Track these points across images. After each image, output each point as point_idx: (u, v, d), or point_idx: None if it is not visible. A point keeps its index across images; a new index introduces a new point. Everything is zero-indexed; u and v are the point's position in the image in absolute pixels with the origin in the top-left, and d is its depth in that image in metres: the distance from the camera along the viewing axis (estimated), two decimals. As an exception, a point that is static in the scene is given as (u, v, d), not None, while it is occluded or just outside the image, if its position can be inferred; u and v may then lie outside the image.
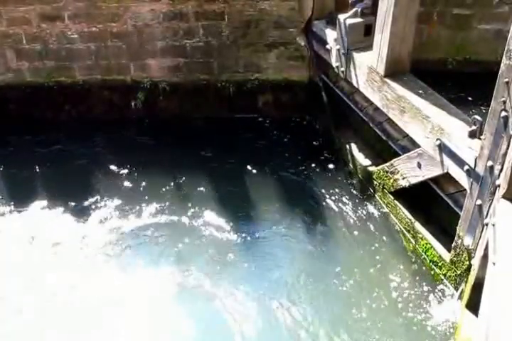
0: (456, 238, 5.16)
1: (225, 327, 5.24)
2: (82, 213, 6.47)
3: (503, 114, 4.16)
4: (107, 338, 5.20)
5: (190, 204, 6.57)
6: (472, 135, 4.81)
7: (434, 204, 5.86)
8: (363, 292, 5.53)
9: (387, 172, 6.20)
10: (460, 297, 5.20)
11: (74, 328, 5.25)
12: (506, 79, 4.07)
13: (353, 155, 6.91)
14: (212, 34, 7.37)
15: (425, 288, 5.53)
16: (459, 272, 5.23)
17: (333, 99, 7.33)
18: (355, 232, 6.19)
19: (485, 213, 4.64)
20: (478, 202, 4.69)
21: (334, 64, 6.70)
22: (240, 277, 5.74)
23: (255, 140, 7.55)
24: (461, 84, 7.42)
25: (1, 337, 5.18)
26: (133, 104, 7.82)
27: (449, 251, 5.35)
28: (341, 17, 6.23)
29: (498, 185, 4.36)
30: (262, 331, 5.20)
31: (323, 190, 6.76)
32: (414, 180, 5.78)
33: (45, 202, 6.60)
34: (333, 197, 6.65)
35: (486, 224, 4.55)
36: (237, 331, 5.19)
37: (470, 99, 7.41)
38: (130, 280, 5.71)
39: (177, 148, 7.37)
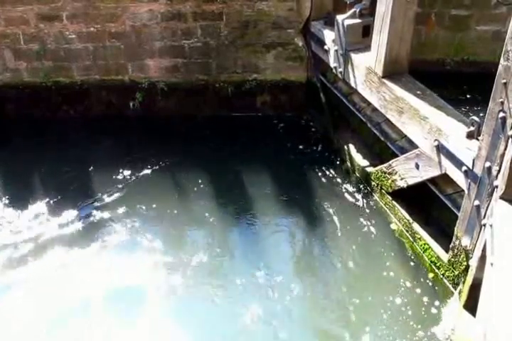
0: (454, 238, 5.16)
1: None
2: (82, 209, 6.51)
3: (501, 114, 4.17)
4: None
5: (188, 202, 6.62)
6: (470, 136, 4.82)
7: (432, 205, 5.86)
8: (359, 291, 5.52)
9: (385, 173, 6.20)
10: (458, 297, 5.20)
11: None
12: (504, 80, 4.07)
13: (351, 156, 6.91)
14: (211, 34, 7.37)
15: (423, 289, 5.53)
16: (457, 273, 5.23)
17: (332, 99, 7.34)
18: (353, 232, 6.18)
19: (483, 214, 4.64)
20: (476, 202, 4.69)
21: (332, 64, 6.71)
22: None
23: (253, 141, 7.54)
24: (460, 85, 7.43)
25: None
26: (131, 104, 7.81)
27: (447, 251, 5.35)
28: (339, 18, 6.24)
29: (496, 186, 4.36)
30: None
31: (321, 190, 6.75)
32: (412, 181, 5.78)
33: (45, 200, 6.59)
34: (331, 197, 6.64)
35: (484, 225, 4.55)
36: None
37: (468, 99, 7.43)
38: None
39: (176, 147, 7.39)
